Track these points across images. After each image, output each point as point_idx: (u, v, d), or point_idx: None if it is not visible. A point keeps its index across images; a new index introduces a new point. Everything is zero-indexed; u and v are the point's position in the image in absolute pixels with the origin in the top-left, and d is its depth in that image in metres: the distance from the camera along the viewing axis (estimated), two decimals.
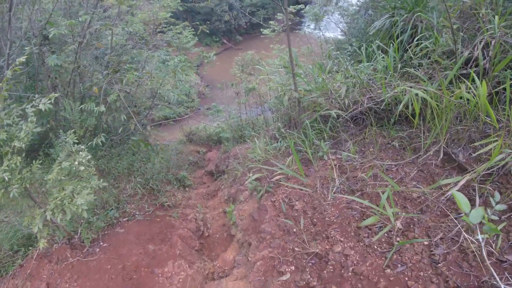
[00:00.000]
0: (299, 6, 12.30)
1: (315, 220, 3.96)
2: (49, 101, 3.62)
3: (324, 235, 3.70)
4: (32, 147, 6.89)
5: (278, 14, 12.93)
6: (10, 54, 6.58)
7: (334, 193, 4.23)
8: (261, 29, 12.73)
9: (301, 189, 4.47)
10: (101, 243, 4.56)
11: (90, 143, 5.02)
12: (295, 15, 13.15)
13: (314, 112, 5.76)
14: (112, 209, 5.52)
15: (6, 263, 4.63)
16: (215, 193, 7.65)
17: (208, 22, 10.98)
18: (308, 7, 12.93)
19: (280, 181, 4.94)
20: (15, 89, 6.91)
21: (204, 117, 13.01)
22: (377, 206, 3.67)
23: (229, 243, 5.30)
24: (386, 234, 3.56)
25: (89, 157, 3.81)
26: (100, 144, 5.11)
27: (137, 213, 5.56)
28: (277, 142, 6.25)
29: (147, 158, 6.89)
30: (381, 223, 3.68)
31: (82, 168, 3.72)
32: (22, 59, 3.49)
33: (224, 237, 5.61)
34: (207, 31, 11.17)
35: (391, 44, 5.61)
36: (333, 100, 5.67)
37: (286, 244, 3.78)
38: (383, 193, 3.84)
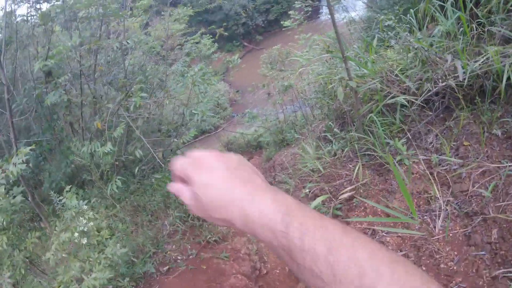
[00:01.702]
0: None
1: (423, 267, 2.50)
2: (20, 161, 2.43)
3: None
4: (61, 189, 5.97)
5: (296, 2, 11.34)
6: (22, 97, 5.68)
7: (444, 220, 2.74)
8: (282, 22, 11.28)
9: (389, 214, 3.01)
10: None
11: (106, 186, 3.90)
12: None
13: (372, 102, 4.28)
14: (150, 255, 4.38)
15: None
16: None
17: (225, 29, 9.71)
18: None
19: (354, 201, 3.52)
20: (32, 133, 6.02)
21: (240, 125, 11.77)
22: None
23: (296, 284, 3.96)
24: None
25: (92, 224, 2.61)
26: (116, 188, 3.98)
27: (179, 257, 4.36)
28: (331, 145, 4.82)
29: None
30: None
31: (84, 241, 2.53)
32: None
33: (286, 273, 4.30)
34: (226, 35, 9.92)
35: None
36: (392, 84, 4.19)
37: None
38: None
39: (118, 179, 3.93)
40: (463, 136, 3.51)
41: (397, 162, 3.59)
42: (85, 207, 2.77)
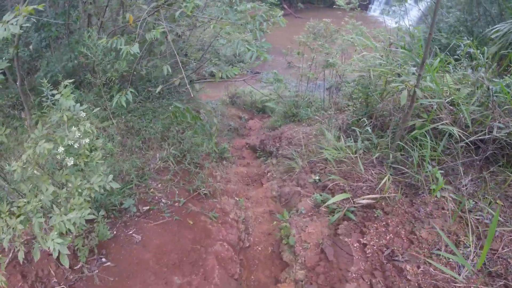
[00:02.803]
0: None
1: None
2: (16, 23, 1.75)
3: None
4: (55, 83, 5.22)
5: None
6: None
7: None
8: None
9: (412, 242, 2.57)
10: (103, 259, 2.85)
11: (111, 98, 3.23)
12: None
13: (421, 119, 3.72)
14: (132, 187, 3.81)
15: None
16: (258, 178, 5.85)
17: None
18: None
19: (375, 212, 3.05)
20: (44, 15, 5.09)
21: (254, 82, 10.95)
22: None
23: (278, 270, 3.56)
24: None
25: (86, 140, 1.97)
26: (123, 104, 3.30)
27: (163, 200, 3.84)
28: (352, 141, 4.31)
29: (189, 123, 5.01)
30: None
31: (70, 162, 1.91)
32: None
33: (268, 253, 3.87)
34: None
35: None
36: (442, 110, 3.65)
37: None
38: None
39: (130, 91, 3.24)
40: (497, 194, 3.08)
41: (427, 190, 3.13)
42: (83, 114, 2.10)
